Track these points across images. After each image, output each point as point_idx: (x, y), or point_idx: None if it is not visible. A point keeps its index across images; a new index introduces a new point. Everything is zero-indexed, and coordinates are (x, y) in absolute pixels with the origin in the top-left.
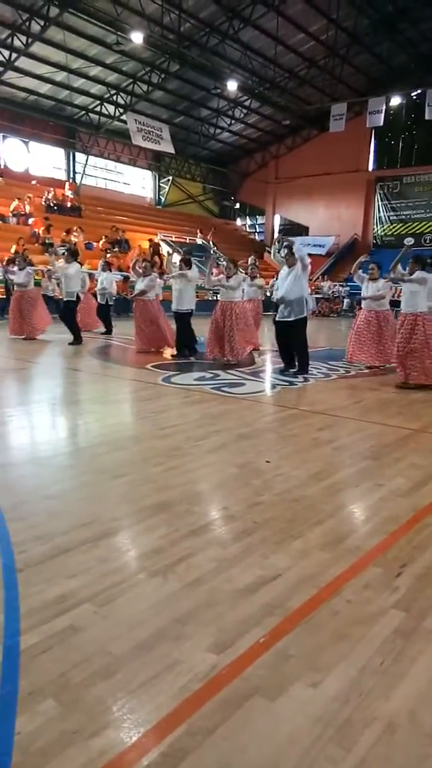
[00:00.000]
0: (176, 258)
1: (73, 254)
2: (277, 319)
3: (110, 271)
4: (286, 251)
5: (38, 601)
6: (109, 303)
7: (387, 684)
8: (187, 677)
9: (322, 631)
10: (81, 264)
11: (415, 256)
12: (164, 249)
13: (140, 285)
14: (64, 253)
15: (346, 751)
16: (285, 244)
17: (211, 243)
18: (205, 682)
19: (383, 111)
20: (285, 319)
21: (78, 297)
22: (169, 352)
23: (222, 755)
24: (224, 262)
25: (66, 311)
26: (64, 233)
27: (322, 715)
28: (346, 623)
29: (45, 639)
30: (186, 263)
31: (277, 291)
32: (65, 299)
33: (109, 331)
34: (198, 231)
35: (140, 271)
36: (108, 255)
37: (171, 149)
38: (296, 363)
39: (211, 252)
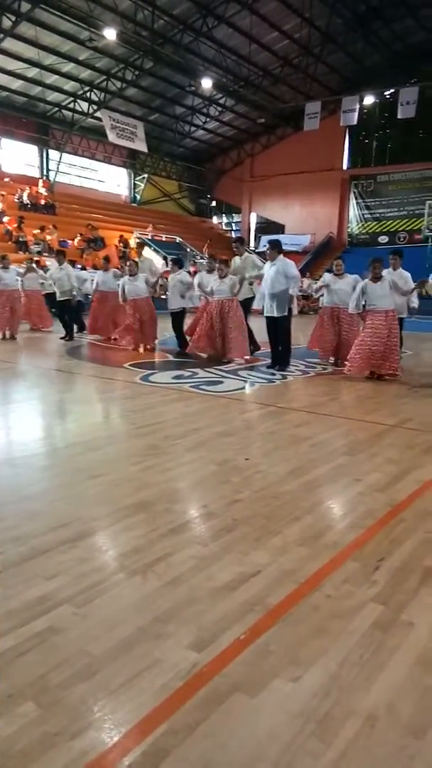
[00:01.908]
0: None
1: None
2: (265, 314)
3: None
4: (266, 247)
5: (17, 602)
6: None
7: (366, 677)
8: (168, 676)
9: (302, 626)
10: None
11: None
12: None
13: (141, 283)
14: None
15: (327, 745)
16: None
17: (206, 254)
18: (186, 680)
19: (357, 110)
20: (270, 315)
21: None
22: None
23: (203, 753)
24: (216, 264)
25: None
26: (38, 230)
27: (302, 709)
28: (326, 618)
29: (24, 641)
30: (177, 264)
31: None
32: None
33: (77, 330)
34: (206, 244)
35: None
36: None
37: (144, 148)
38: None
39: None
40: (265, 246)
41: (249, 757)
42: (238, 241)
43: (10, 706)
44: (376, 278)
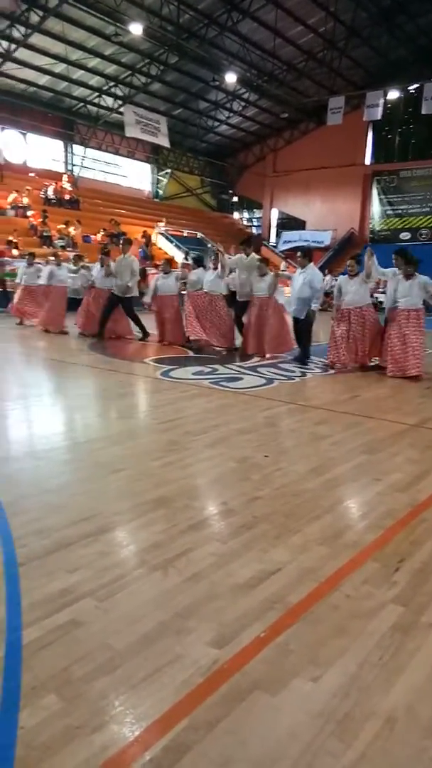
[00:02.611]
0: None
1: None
2: (292, 315)
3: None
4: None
5: (40, 595)
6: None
7: (386, 678)
8: (189, 672)
9: (322, 625)
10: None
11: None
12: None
13: (171, 280)
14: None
15: (347, 745)
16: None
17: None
18: (206, 676)
19: (381, 105)
20: (297, 316)
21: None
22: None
23: (224, 749)
24: (258, 263)
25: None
26: (62, 225)
27: (322, 709)
28: (346, 618)
29: (47, 633)
30: (197, 263)
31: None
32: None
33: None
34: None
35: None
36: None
37: (166, 143)
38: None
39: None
40: (287, 243)
41: (269, 755)
42: (245, 243)
43: (33, 699)
44: (407, 276)
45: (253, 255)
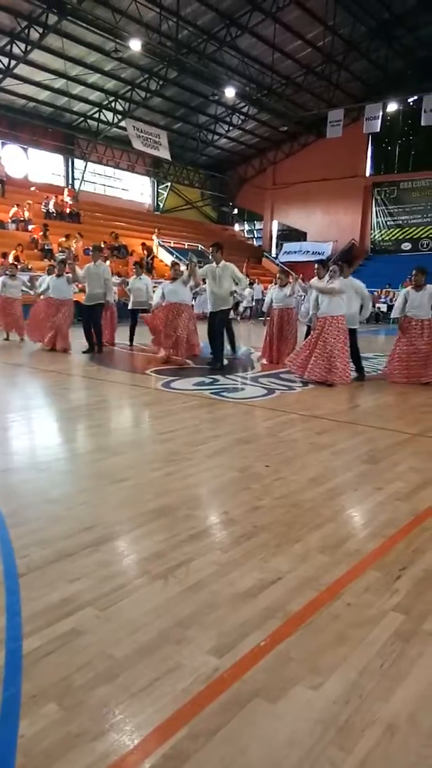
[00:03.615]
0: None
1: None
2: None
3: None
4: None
5: (41, 605)
6: None
7: (387, 686)
8: (189, 680)
9: (323, 634)
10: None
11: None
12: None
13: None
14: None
15: (347, 753)
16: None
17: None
18: (206, 684)
19: (380, 117)
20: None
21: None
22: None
23: (223, 757)
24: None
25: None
26: (63, 238)
27: (322, 717)
28: (347, 626)
29: (47, 643)
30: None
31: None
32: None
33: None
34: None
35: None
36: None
37: (168, 156)
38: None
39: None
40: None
41: (269, 762)
42: (215, 247)
43: (33, 707)
44: (418, 286)
45: (224, 263)
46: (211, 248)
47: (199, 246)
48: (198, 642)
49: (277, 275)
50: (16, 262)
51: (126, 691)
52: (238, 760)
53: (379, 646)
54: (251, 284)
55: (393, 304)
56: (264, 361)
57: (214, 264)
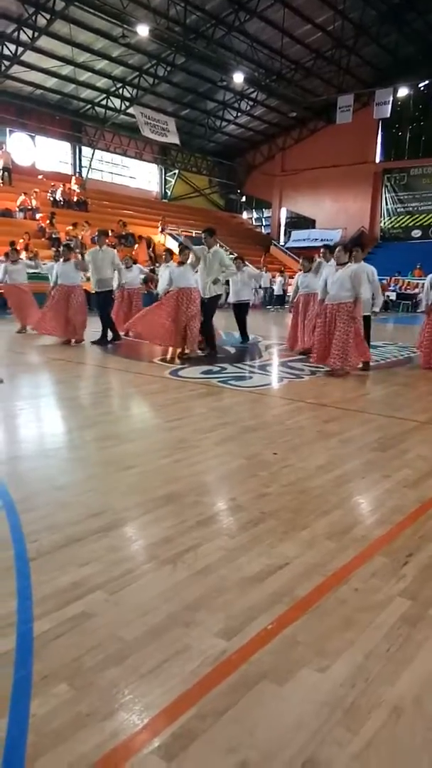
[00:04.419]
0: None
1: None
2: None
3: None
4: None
5: (51, 588)
6: None
7: (393, 670)
8: (197, 662)
9: (330, 618)
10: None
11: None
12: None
13: (188, 271)
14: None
15: (353, 734)
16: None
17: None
18: (214, 666)
19: (390, 102)
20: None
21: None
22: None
23: (231, 737)
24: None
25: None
26: (70, 227)
27: (329, 699)
28: (353, 611)
29: (58, 625)
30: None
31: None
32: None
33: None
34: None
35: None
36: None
37: (177, 141)
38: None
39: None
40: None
41: (276, 743)
42: (207, 232)
43: (44, 687)
44: None
45: (216, 248)
46: (203, 234)
47: (197, 232)
48: (206, 625)
49: (301, 261)
50: (17, 247)
51: (135, 672)
52: (246, 741)
53: (385, 630)
54: (282, 273)
55: (402, 292)
56: (292, 350)
57: (206, 249)
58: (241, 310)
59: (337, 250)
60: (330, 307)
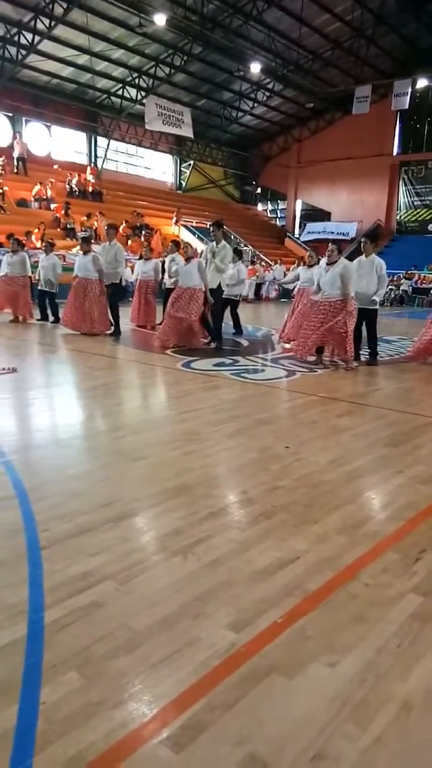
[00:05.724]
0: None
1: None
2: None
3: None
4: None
5: (62, 577)
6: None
7: (403, 665)
8: (207, 653)
9: (340, 613)
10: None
11: None
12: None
13: (194, 269)
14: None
15: (363, 729)
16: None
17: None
18: (224, 659)
19: (409, 93)
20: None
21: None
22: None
23: (240, 729)
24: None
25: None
26: (85, 217)
27: (338, 693)
28: (364, 606)
29: (68, 614)
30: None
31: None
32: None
33: (44, 318)
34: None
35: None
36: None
37: (190, 134)
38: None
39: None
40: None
41: (285, 736)
42: (216, 225)
43: (54, 675)
44: None
45: (224, 243)
46: (211, 227)
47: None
48: (216, 617)
49: (308, 254)
50: (18, 238)
51: (145, 662)
52: (255, 734)
53: (396, 626)
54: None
55: (418, 287)
56: (285, 344)
57: (214, 243)
58: (232, 305)
59: (329, 248)
60: (324, 305)
